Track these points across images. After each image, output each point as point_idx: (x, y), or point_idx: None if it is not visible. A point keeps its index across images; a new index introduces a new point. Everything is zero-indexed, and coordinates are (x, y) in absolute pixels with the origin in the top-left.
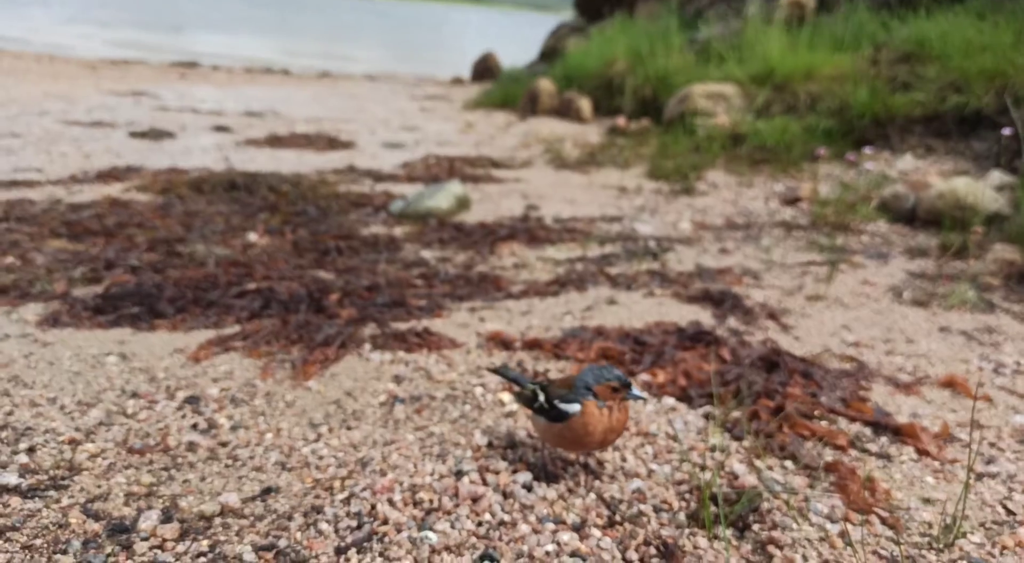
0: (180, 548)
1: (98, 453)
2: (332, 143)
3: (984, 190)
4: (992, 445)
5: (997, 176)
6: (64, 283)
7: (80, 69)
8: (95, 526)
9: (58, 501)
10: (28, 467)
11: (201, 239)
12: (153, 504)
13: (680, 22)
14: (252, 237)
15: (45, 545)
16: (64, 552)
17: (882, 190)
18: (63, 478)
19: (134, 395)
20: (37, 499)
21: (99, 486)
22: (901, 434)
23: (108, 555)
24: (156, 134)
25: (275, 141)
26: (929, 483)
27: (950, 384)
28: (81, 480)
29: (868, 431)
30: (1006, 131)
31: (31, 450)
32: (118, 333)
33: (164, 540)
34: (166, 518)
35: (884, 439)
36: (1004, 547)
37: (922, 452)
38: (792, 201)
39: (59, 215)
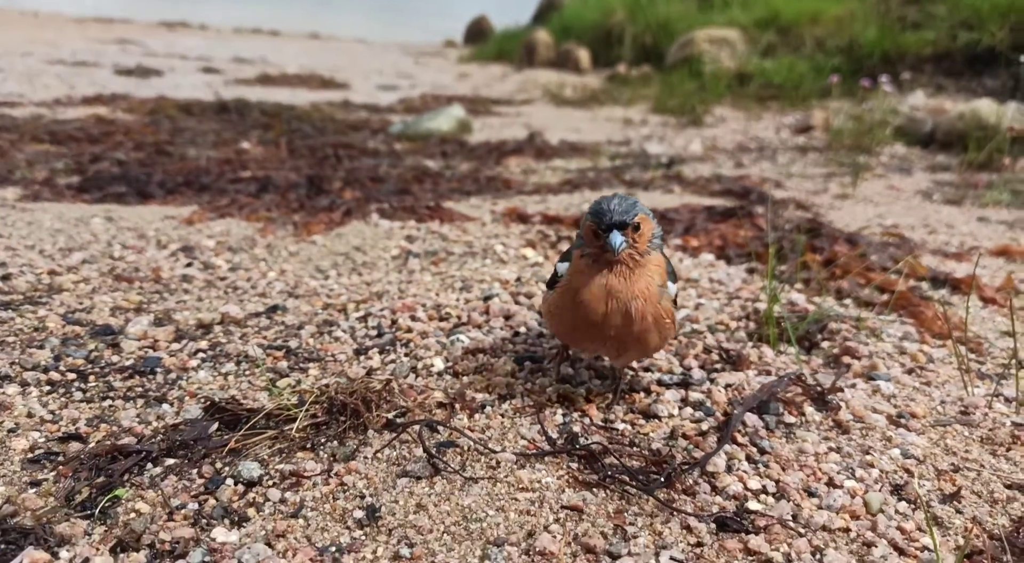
0: (175, 347)
1: (81, 280)
2: (326, 83)
3: (1008, 110)
4: None
5: (1015, 106)
6: (46, 172)
7: (66, 23)
8: (76, 329)
9: (34, 312)
10: (0, 289)
11: (191, 145)
12: (142, 316)
13: None
14: (245, 145)
15: (18, 342)
16: (40, 347)
17: (897, 118)
18: (40, 297)
19: (122, 246)
20: (9, 311)
21: (81, 303)
22: (962, 287)
23: (91, 351)
24: (143, 72)
25: (266, 80)
26: (1002, 321)
27: (1004, 252)
28: (61, 298)
29: (925, 285)
30: None
31: (4, 278)
32: (103, 207)
33: (156, 340)
34: (158, 324)
35: (944, 292)
36: None
37: (987, 300)
38: (804, 129)
39: (42, 126)
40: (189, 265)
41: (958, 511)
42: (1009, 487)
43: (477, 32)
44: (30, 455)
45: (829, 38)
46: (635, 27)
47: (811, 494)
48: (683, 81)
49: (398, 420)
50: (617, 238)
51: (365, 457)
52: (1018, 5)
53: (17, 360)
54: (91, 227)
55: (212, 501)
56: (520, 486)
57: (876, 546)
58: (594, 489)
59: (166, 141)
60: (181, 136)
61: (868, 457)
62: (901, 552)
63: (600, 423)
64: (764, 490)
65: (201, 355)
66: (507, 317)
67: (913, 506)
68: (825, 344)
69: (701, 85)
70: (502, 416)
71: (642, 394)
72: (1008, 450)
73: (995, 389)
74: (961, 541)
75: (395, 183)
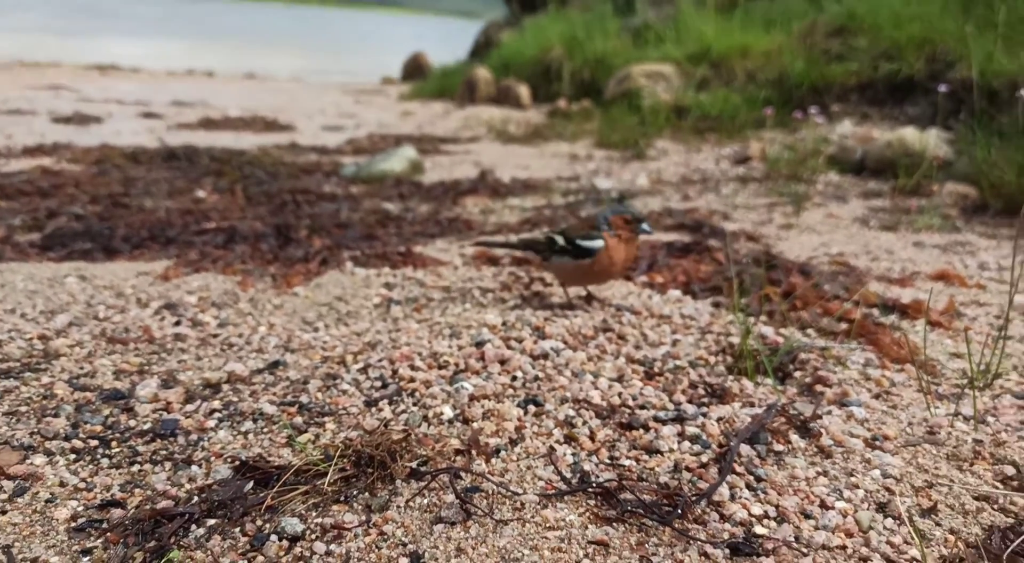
0: (189, 408)
1: (75, 344)
2: (270, 126)
3: (931, 138)
4: (998, 317)
5: (935, 133)
6: (3, 229)
7: None
8: (86, 395)
9: (38, 379)
10: None
11: (147, 195)
12: (148, 379)
13: (614, 8)
14: (201, 194)
15: (31, 411)
16: (55, 415)
17: (828, 147)
18: (39, 364)
19: (105, 307)
20: (12, 379)
21: (82, 368)
22: (909, 312)
23: (107, 416)
24: (81, 119)
25: (209, 124)
26: (950, 344)
27: (942, 277)
28: (60, 363)
29: (876, 312)
30: (942, 87)
31: None
32: (72, 265)
33: (168, 402)
34: (166, 385)
35: (893, 317)
36: None
37: (934, 323)
38: (742, 160)
39: None
40: (178, 323)
41: (937, 523)
42: (977, 499)
43: (415, 69)
44: (74, 524)
45: (759, 71)
46: (573, 63)
47: (808, 516)
48: (623, 115)
49: (422, 469)
50: (647, 226)
51: (398, 506)
52: (932, 38)
53: (36, 430)
54: (67, 287)
55: (260, 558)
56: (547, 525)
57: (872, 560)
58: (614, 524)
59: (120, 192)
60: (134, 186)
61: (852, 479)
62: None
63: (608, 461)
64: (766, 515)
65: (217, 415)
66: (502, 362)
67: (898, 521)
68: (797, 374)
69: (641, 119)
70: (517, 459)
71: (641, 430)
72: (972, 465)
73: (955, 409)
74: (943, 551)
75: (360, 228)
